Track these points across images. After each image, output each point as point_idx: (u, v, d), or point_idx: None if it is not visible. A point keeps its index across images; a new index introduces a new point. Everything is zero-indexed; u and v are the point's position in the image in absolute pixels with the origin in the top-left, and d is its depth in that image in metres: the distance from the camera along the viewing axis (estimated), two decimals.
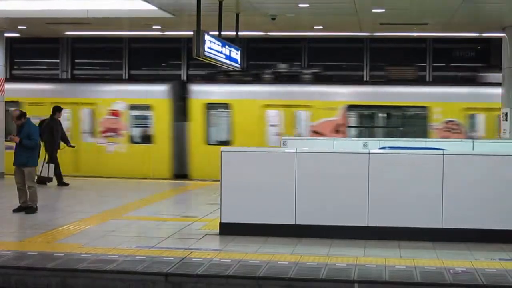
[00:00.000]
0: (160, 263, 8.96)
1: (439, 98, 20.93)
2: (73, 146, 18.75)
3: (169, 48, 25.85)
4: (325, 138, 19.49)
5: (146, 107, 21.79)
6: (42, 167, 17.23)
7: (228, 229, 10.88)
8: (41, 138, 17.74)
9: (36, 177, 13.35)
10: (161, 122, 21.60)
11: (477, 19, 17.75)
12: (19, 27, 20.33)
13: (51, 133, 17.65)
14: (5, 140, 19.68)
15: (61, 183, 17.76)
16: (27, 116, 13.59)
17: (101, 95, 22.26)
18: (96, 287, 8.60)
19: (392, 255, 9.59)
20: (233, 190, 10.97)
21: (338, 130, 20.85)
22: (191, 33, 13.51)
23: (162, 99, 21.74)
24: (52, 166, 17.55)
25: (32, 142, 13.14)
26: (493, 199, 10.54)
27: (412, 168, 10.75)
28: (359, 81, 24.08)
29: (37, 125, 18.21)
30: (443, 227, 10.54)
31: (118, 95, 22.12)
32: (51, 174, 17.55)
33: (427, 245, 10.21)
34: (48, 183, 17.55)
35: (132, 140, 21.84)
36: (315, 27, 19.49)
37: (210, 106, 21.70)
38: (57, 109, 18.15)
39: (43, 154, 17.14)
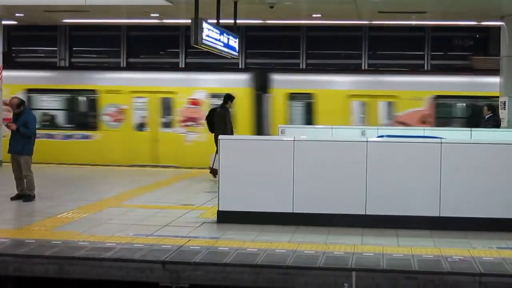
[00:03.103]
0: (157, 251, 8.96)
1: None
2: None
3: (168, 36, 25.82)
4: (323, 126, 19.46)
5: None
6: (214, 159, 16.09)
7: (226, 217, 10.88)
8: (212, 128, 17.01)
9: (31, 165, 13.28)
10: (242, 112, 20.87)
11: (476, 7, 17.71)
12: (16, 14, 20.24)
13: (224, 122, 16.57)
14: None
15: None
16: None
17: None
18: (94, 275, 8.60)
19: (389, 243, 9.59)
20: (231, 178, 10.97)
21: None
22: (189, 21, 13.48)
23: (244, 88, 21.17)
24: None
25: (29, 130, 13.10)
26: (491, 188, 10.53)
27: (410, 157, 10.74)
28: None
29: (207, 113, 17.71)
30: (440, 215, 10.54)
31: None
32: None
33: (425, 233, 10.21)
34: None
35: None
36: (313, 15, 19.44)
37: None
38: (229, 98, 17.03)
39: (209, 145, 16.72)
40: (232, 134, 16.87)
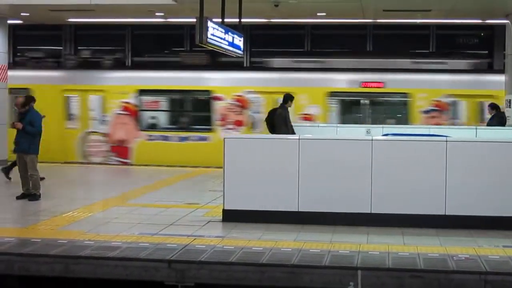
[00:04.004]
0: (163, 250, 8.96)
1: None
2: None
3: (172, 35, 25.82)
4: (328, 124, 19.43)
5: None
6: None
7: (231, 216, 10.88)
8: (272, 129, 16.29)
9: (36, 165, 13.30)
10: None
11: (481, 5, 17.68)
12: (21, 14, 20.28)
13: (285, 122, 15.99)
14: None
15: None
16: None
17: None
18: (99, 274, 8.61)
19: (395, 242, 9.58)
20: (236, 177, 10.96)
21: None
22: (194, 20, 13.46)
23: None
24: None
25: (34, 129, 13.12)
26: (496, 186, 10.51)
27: (415, 155, 10.72)
28: None
29: (267, 115, 17.03)
30: (446, 214, 10.53)
31: None
32: None
33: (431, 232, 10.20)
34: None
35: None
36: (318, 14, 19.43)
37: None
38: (289, 97, 16.42)
39: None
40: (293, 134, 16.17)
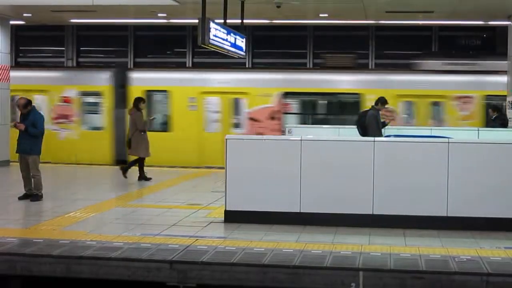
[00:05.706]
0: (165, 250, 8.97)
1: None
2: None
3: (175, 35, 25.86)
4: (329, 126, 19.41)
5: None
6: None
7: (233, 217, 10.88)
8: (363, 131, 15.65)
9: (39, 165, 13.30)
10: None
11: (483, 7, 17.69)
12: (24, 14, 20.30)
13: (377, 124, 15.55)
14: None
15: None
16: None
17: None
18: (101, 274, 8.62)
19: (397, 243, 9.58)
20: (238, 178, 10.96)
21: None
22: (196, 21, 13.48)
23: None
24: None
25: (37, 130, 13.12)
26: (498, 188, 10.51)
27: (417, 156, 10.72)
28: None
29: (358, 117, 16.43)
30: (448, 215, 10.52)
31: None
32: None
33: (432, 233, 10.19)
34: None
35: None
36: (320, 15, 19.44)
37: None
38: (380, 100, 15.90)
39: None
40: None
